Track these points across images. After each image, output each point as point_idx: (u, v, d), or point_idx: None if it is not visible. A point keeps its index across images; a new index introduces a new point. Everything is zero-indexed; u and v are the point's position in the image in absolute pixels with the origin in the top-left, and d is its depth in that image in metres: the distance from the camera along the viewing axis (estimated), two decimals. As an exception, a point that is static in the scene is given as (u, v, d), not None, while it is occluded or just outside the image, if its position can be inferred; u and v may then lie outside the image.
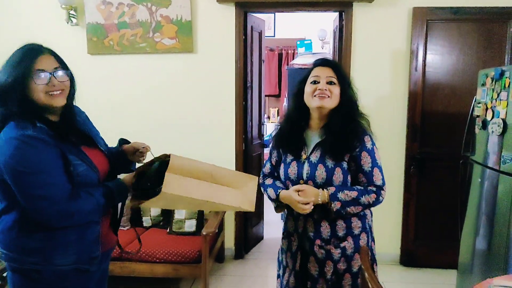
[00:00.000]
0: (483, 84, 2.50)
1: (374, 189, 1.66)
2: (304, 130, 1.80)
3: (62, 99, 1.45)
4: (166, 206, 1.69)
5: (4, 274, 2.56)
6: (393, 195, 3.51)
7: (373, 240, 1.83)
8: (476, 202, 2.51)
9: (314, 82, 1.71)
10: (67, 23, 3.48)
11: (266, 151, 4.41)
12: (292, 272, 1.80)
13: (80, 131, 1.56)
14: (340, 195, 1.62)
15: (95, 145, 1.59)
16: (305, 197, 1.63)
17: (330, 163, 1.67)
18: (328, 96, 1.67)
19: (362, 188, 1.67)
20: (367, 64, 3.42)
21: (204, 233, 2.84)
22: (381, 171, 1.70)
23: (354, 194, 1.63)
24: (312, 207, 1.64)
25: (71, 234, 1.43)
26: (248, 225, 3.85)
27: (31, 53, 1.40)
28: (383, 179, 1.69)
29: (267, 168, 1.93)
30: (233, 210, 1.64)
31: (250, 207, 1.65)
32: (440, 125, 3.35)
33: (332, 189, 1.64)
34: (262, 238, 4.23)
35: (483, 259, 2.43)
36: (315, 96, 1.69)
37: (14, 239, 1.41)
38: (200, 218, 3.24)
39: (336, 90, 1.70)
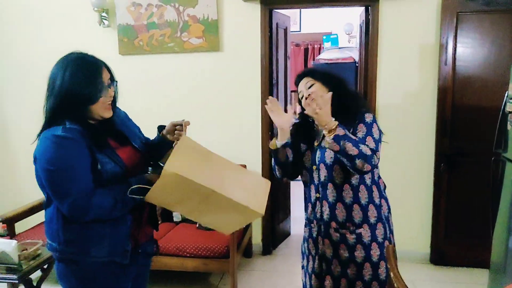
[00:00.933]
0: (516, 79, 2.43)
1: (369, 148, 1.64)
2: (317, 126, 1.87)
3: (111, 111, 1.55)
4: (164, 201, 1.50)
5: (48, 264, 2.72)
6: (422, 192, 3.47)
7: (391, 232, 1.84)
8: (508, 200, 2.45)
9: (300, 98, 1.82)
10: (99, 25, 3.61)
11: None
12: (315, 257, 1.87)
13: (115, 131, 1.63)
14: (346, 132, 1.61)
15: (128, 143, 1.66)
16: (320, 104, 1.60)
17: None
18: (312, 98, 1.63)
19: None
20: (395, 58, 3.37)
21: (232, 229, 2.90)
22: (375, 141, 1.68)
23: (355, 138, 1.64)
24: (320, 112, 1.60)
25: (105, 227, 1.51)
26: (275, 221, 3.89)
27: (97, 67, 1.50)
28: (376, 147, 1.67)
29: None
30: (239, 210, 1.47)
31: (260, 209, 1.50)
32: (471, 120, 3.27)
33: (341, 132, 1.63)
34: (289, 234, 4.26)
35: (515, 258, 2.37)
36: (305, 105, 1.71)
37: (55, 231, 1.51)
38: (228, 214, 3.30)
39: (315, 88, 1.76)
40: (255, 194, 1.54)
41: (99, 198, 1.43)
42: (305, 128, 1.90)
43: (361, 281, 1.77)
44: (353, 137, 1.63)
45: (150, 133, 1.89)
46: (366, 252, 1.75)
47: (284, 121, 1.78)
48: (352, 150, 1.58)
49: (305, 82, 1.81)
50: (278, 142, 1.80)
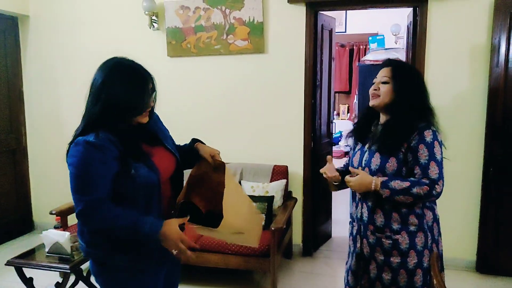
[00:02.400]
0: None
1: (428, 181, 1.66)
2: (375, 126, 1.92)
3: (147, 117, 1.56)
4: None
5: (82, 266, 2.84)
6: (469, 198, 3.35)
7: (435, 242, 1.81)
8: None
9: (373, 83, 1.86)
10: (150, 28, 3.77)
11: (335, 148, 4.41)
12: (353, 254, 1.93)
13: (148, 132, 1.62)
14: (392, 184, 1.69)
15: (161, 144, 1.65)
16: (354, 183, 1.77)
17: (386, 152, 1.76)
18: (378, 95, 1.81)
19: (415, 179, 1.69)
20: (443, 60, 3.28)
21: (272, 228, 2.94)
22: (438, 165, 1.70)
23: (406, 184, 1.67)
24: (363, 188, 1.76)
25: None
26: (316, 222, 3.89)
27: (146, 79, 1.51)
28: (440, 173, 1.69)
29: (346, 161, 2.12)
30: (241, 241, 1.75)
31: (255, 242, 1.75)
32: (524, 125, 3.13)
33: (385, 178, 1.72)
34: (330, 236, 4.24)
35: None
36: (371, 96, 1.85)
37: (81, 232, 1.56)
38: (269, 213, 3.34)
39: (385, 88, 1.79)
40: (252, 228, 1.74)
41: (106, 211, 1.41)
42: (362, 130, 1.96)
43: (396, 286, 1.77)
44: (403, 184, 1.67)
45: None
46: (402, 259, 1.75)
47: (333, 174, 1.92)
48: (407, 199, 1.68)
49: (384, 73, 1.83)
50: (335, 187, 1.98)
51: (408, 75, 1.84)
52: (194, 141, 1.81)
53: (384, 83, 1.81)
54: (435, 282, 1.29)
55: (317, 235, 3.92)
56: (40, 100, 4.29)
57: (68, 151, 1.50)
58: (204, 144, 1.80)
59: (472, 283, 3.24)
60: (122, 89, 1.45)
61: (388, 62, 1.88)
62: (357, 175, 1.77)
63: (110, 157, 1.43)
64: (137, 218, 1.43)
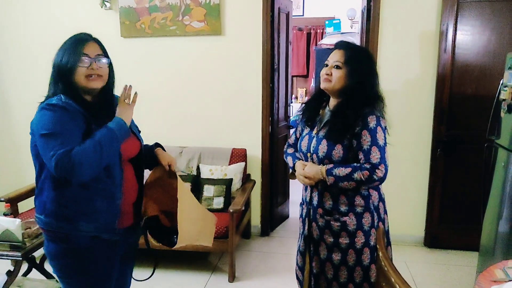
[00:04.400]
0: (510, 68, 2.47)
1: (368, 166, 1.70)
2: (323, 108, 1.94)
3: (99, 83, 1.60)
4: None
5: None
6: (419, 178, 3.53)
7: (381, 221, 1.87)
8: (500, 185, 2.51)
9: (325, 66, 1.85)
10: (101, 7, 3.62)
11: (292, 131, 4.49)
12: (301, 236, 1.99)
13: (112, 113, 1.66)
14: (335, 171, 1.74)
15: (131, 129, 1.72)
16: (307, 171, 1.82)
17: (333, 140, 1.80)
18: (330, 80, 1.81)
19: (357, 165, 1.73)
20: (395, 45, 3.39)
21: (231, 210, 2.98)
22: (380, 150, 1.72)
23: (348, 170, 1.72)
24: (313, 182, 1.82)
25: (96, 201, 1.56)
26: (274, 204, 3.97)
27: (80, 41, 1.59)
28: (381, 158, 1.71)
29: (291, 139, 2.12)
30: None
31: (209, 242, 1.92)
32: (468, 108, 3.32)
33: (330, 166, 1.77)
34: (287, 217, 4.34)
35: (505, 241, 2.44)
36: (322, 79, 1.85)
37: (43, 203, 1.57)
38: (228, 196, 3.37)
39: (338, 73, 1.79)
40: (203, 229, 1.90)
41: (78, 148, 1.45)
42: (311, 112, 1.96)
43: (345, 266, 1.84)
44: (346, 170, 1.72)
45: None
46: (350, 239, 1.81)
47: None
48: (351, 184, 1.73)
49: (337, 56, 1.81)
50: (293, 176, 2.00)
51: (361, 60, 1.83)
52: (157, 145, 1.90)
53: (337, 67, 1.80)
54: (380, 254, 1.36)
55: (274, 216, 4.01)
56: (-17, 81, 4.05)
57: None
58: (164, 150, 1.89)
59: (420, 256, 3.46)
60: (57, 53, 1.58)
61: (341, 45, 1.86)
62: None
63: (76, 116, 1.51)
64: (103, 129, 1.54)
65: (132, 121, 1.78)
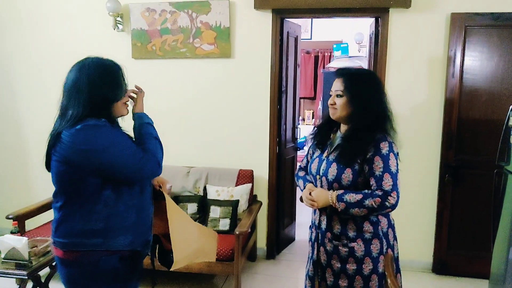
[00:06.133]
0: (520, 94, 2.47)
1: (380, 193, 1.69)
2: (334, 132, 1.95)
3: (127, 110, 1.70)
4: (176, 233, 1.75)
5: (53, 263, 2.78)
6: (427, 203, 3.50)
7: (391, 247, 1.85)
8: (510, 212, 2.48)
9: (330, 95, 1.87)
10: (114, 29, 3.70)
11: (300, 153, 4.48)
12: (310, 260, 1.97)
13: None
14: (346, 197, 1.73)
15: None
16: (314, 196, 1.82)
17: (343, 163, 1.79)
18: (336, 108, 1.83)
19: (368, 192, 1.72)
20: (403, 70, 3.42)
21: (237, 232, 2.96)
22: (393, 177, 1.71)
23: (359, 197, 1.71)
24: (317, 206, 1.82)
25: (131, 214, 1.58)
26: (280, 226, 3.94)
27: (120, 70, 1.65)
28: (394, 185, 1.70)
29: (303, 162, 2.12)
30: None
31: (212, 257, 1.98)
32: (476, 133, 3.31)
33: (340, 191, 1.76)
34: (293, 239, 4.30)
35: (516, 270, 2.40)
36: (329, 108, 1.88)
37: (73, 226, 1.54)
38: (234, 217, 3.36)
39: (340, 101, 1.81)
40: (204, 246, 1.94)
41: (146, 146, 1.63)
42: (322, 135, 1.97)
43: None
44: (356, 197, 1.71)
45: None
46: (358, 266, 1.78)
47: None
48: (362, 212, 1.71)
49: (337, 85, 1.83)
50: None
51: (361, 84, 1.82)
52: None
53: (338, 96, 1.81)
54: (389, 281, 1.34)
55: (281, 238, 3.97)
56: (-4, 99, 4.12)
57: (52, 145, 1.53)
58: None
59: (428, 283, 3.39)
60: (100, 83, 1.55)
61: (340, 72, 1.87)
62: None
63: (116, 129, 1.61)
64: (144, 125, 1.73)
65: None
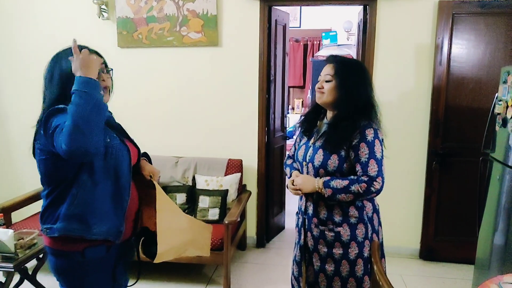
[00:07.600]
0: (505, 82, 2.49)
1: (366, 179, 1.72)
2: (321, 119, 1.97)
3: (107, 97, 1.62)
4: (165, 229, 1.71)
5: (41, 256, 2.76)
6: (414, 190, 3.53)
7: (375, 232, 1.88)
8: (495, 198, 2.52)
9: (318, 80, 1.89)
10: (99, 17, 3.63)
11: (289, 142, 4.49)
12: (297, 246, 2.00)
13: (115, 124, 1.74)
14: (332, 183, 1.76)
15: (127, 136, 1.75)
16: (298, 182, 1.84)
17: (329, 150, 1.81)
18: (323, 93, 1.85)
19: (354, 177, 1.75)
20: (391, 58, 3.42)
21: (226, 222, 2.96)
22: (378, 163, 1.75)
23: (345, 182, 1.74)
24: (300, 193, 1.86)
25: (107, 203, 1.57)
26: (270, 215, 3.95)
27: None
28: (379, 171, 1.74)
29: (291, 151, 2.13)
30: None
31: (206, 252, 1.97)
32: (463, 121, 3.33)
33: (327, 178, 1.78)
34: (283, 228, 4.32)
35: (500, 255, 2.44)
36: (316, 92, 1.89)
37: (57, 210, 1.54)
38: (223, 207, 3.36)
39: (329, 86, 1.83)
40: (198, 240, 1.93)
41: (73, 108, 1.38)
42: (309, 123, 1.99)
43: (339, 277, 1.84)
44: (343, 182, 1.73)
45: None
46: (344, 250, 1.82)
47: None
48: (348, 197, 1.74)
49: (327, 70, 1.85)
50: None
51: (351, 71, 1.85)
52: (144, 155, 1.91)
53: (327, 81, 1.84)
54: (375, 268, 1.35)
55: (270, 227, 3.99)
56: (-21, 90, 4.04)
57: (36, 132, 1.53)
58: (150, 160, 1.91)
59: (415, 269, 3.44)
60: (67, 67, 1.50)
61: (331, 59, 1.89)
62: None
63: None
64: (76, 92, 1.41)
65: (125, 130, 1.80)
